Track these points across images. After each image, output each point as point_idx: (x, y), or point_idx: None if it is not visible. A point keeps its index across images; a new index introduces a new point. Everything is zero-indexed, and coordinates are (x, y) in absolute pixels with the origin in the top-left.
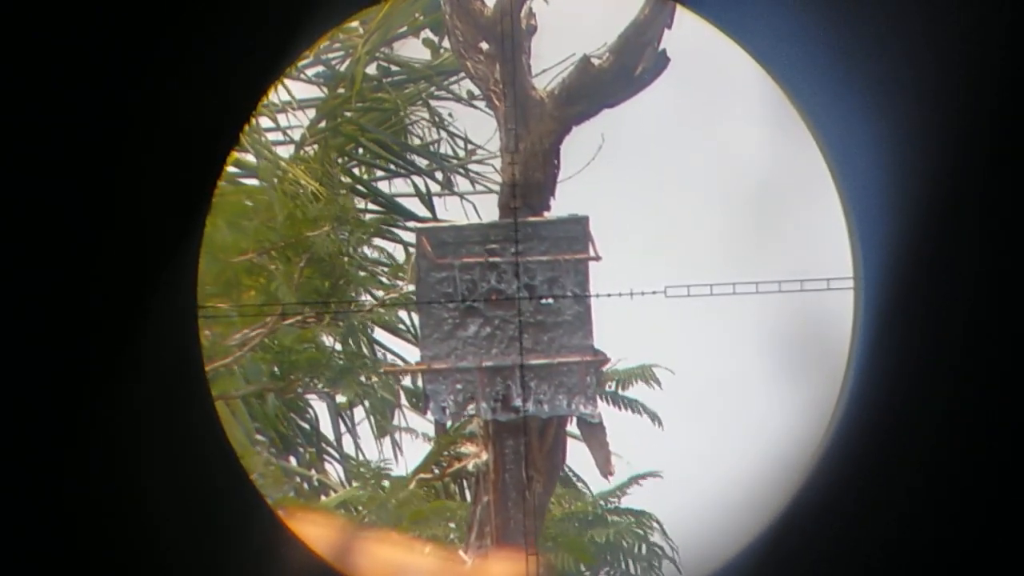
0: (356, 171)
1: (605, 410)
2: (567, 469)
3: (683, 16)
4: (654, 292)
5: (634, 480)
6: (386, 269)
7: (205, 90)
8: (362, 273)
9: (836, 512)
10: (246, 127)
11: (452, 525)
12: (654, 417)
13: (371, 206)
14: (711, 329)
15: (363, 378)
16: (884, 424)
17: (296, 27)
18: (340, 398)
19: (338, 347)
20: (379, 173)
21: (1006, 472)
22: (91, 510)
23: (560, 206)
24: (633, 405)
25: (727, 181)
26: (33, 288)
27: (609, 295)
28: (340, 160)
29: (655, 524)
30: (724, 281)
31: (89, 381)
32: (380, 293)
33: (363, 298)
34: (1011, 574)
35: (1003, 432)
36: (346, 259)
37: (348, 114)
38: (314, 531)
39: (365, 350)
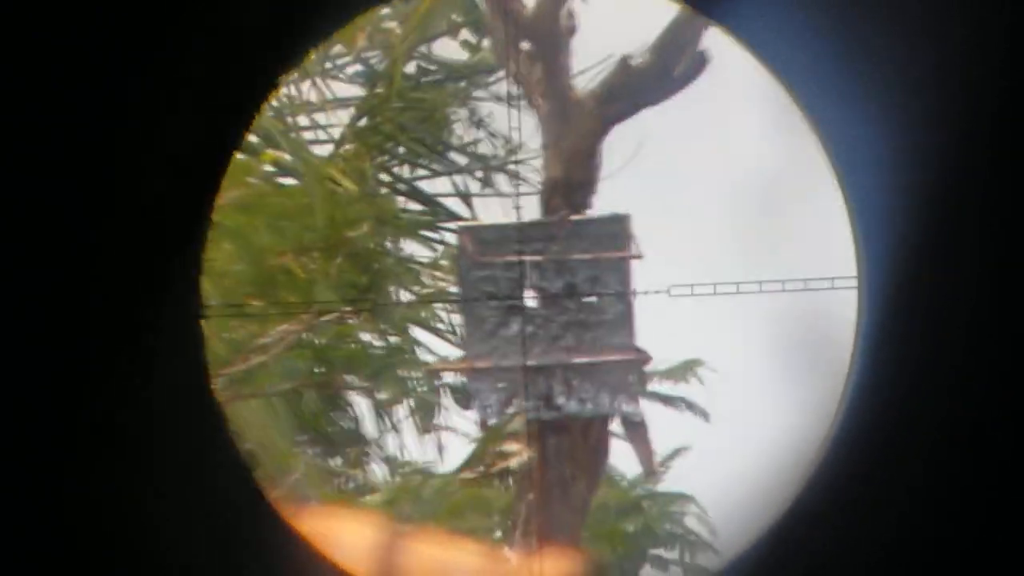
0: (396, 170)
1: (651, 407)
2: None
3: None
4: (657, 292)
5: (664, 461)
6: (424, 265)
7: (205, 90)
8: (400, 270)
9: (838, 511)
10: (251, 127)
11: (495, 519)
12: (702, 413)
13: (411, 205)
14: (714, 329)
15: (403, 374)
16: (887, 423)
17: (298, 28)
18: (382, 396)
19: (377, 343)
20: (419, 172)
21: (1007, 472)
22: (91, 510)
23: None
24: (677, 403)
25: (730, 180)
26: (33, 288)
27: (612, 294)
28: (380, 159)
29: (692, 506)
30: (728, 280)
31: (89, 381)
32: (418, 290)
33: (402, 295)
34: (1011, 574)
35: (1005, 432)
36: (385, 256)
37: (390, 114)
38: (358, 530)
39: (404, 346)
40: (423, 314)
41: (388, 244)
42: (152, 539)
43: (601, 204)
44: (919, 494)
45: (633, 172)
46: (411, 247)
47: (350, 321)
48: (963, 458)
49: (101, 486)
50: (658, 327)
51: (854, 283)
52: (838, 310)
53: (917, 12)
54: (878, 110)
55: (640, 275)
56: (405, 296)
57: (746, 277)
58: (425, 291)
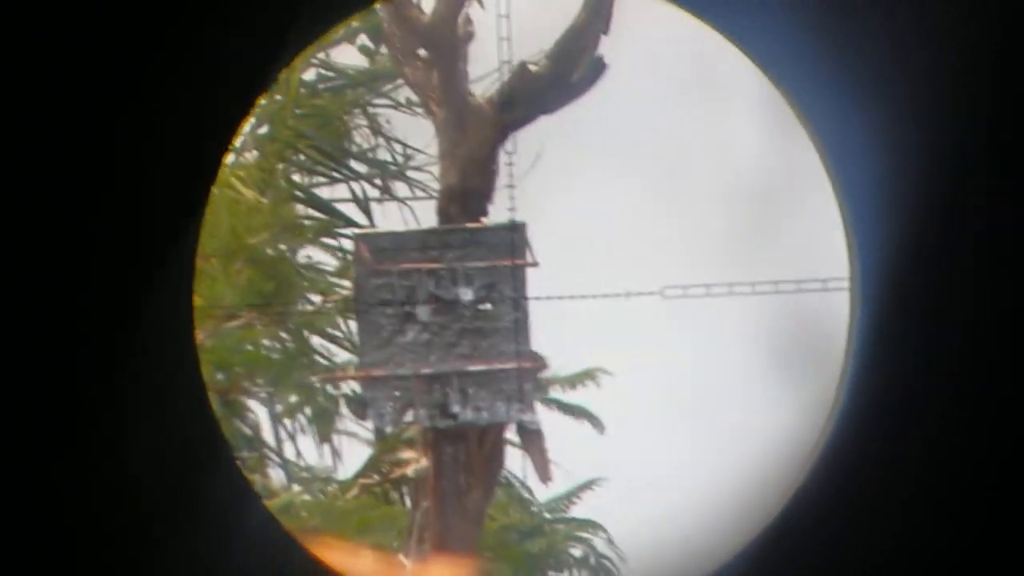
0: (296, 177)
1: (549, 416)
2: (513, 477)
3: (682, 18)
4: (651, 293)
5: (577, 491)
6: (327, 274)
7: (204, 90)
8: (301, 278)
9: (833, 511)
10: (243, 126)
11: (396, 533)
12: (596, 423)
13: (311, 212)
14: (708, 330)
15: (301, 380)
16: (880, 423)
17: (294, 27)
18: (280, 405)
19: (277, 347)
20: (319, 179)
21: (1003, 471)
22: (91, 510)
23: (563, 206)
24: (574, 411)
25: (724, 182)
26: (33, 288)
27: (606, 296)
28: (280, 166)
29: (600, 533)
30: (721, 282)
31: (89, 381)
32: (318, 299)
33: (303, 303)
34: (1010, 574)
35: (999, 431)
36: (286, 264)
37: (290, 120)
38: None
39: (303, 353)
40: (322, 322)
41: (289, 251)
42: (149, 537)
43: (593, 205)
44: (913, 494)
45: (628, 174)
46: (315, 255)
47: (254, 326)
48: (957, 458)
49: (100, 486)
50: (654, 327)
51: (846, 284)
52: (831, 311)
53: (911, 15)
54: (872, 113)
55: (634, 276)
56: (307, 303)
57: (739, 278)
58: (328, 299)
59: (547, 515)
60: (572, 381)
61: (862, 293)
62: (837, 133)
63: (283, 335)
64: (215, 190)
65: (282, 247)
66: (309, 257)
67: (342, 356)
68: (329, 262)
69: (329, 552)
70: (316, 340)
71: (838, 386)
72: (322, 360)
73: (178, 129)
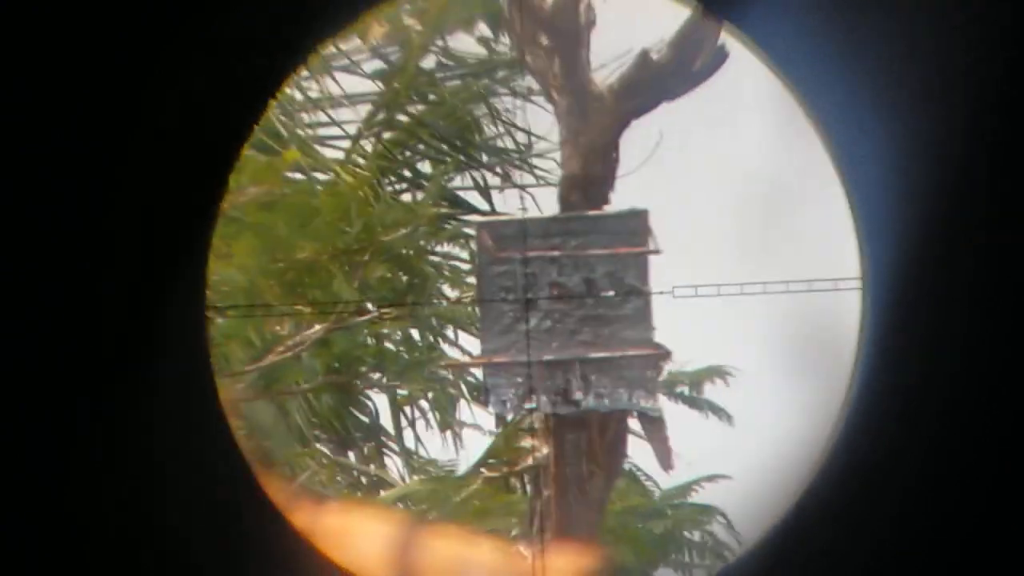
0: (419, 167)
1: (679, 412)
2: (634, 466)
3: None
4: (661, 292)
5: (699, 481)
6: (465, 268)
7: (211, 89)
8: (434, 271)
9: (842, 512)
10: (257, 127)
11: (515, 520)
12: (725, 416)
13: (441, 204)
14: (718, 329)
15: (429, 372)
16: (891, 424)
17: (305, 25)
18: (402, 392)
19: (403, 340)
20: (440, 168)
21: (1009, 473)
22: (94, 511)
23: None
24: (701, 406)
25: (735, 181)
26: (35, 289)
27: (614, 294)
28: (401, 155)
29: (719, 518)
30: (731, 282)
31: (92, 382)
32: (451, 292)
33: (436, 298)
34: (1012, 573)
35: (1008, 432)
36: (423, 259)
37: (411, 109)
38: (374, 526)
39: (432, 344)
40: (454, 312)
41: (424, 247)
42: (155, 540)
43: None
44: (923, 494)
45: (636, 172)
46: (448, 246)
47: (382, 321)
48: (967, 458)
49: (104, 488)
50: (661, 328)
51: (858, 284)
52: (842, 311)
53: (923, 14)
54: (883, 112)
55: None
56: (440, 298)
57: (750, 278)
58: (463, 295)
59: (667, 501)
60: (698, 378)
61: (873, 293)
62: (848, 132)
63: (413, 326)
64: (337, 181)
65: (420, 242)
66: (442, 253)
67: (469, 342)
68: (458, 254)
69: (448, 542)
70: (447, 329)
71: (849, 385)
72: (448, 348)
73: (186, 128)
